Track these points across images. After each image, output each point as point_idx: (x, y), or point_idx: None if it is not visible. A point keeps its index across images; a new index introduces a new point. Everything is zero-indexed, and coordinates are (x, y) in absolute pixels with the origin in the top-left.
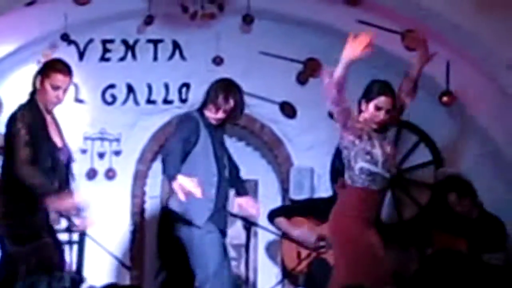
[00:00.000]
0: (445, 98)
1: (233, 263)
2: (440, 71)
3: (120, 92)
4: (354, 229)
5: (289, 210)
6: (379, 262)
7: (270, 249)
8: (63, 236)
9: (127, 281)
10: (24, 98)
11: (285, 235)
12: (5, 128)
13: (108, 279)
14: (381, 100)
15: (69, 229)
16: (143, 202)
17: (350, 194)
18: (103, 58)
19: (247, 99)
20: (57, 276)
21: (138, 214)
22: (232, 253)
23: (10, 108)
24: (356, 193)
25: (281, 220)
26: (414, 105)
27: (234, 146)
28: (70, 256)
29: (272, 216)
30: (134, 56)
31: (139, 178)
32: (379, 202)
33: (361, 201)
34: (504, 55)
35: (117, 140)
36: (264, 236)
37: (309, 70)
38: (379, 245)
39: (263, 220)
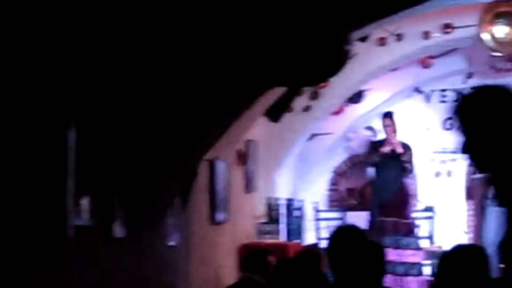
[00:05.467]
0: None
1: None
2: None
3: (454, 122)
4: None
5: None
6: None
7: None
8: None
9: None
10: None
11: None
12: None
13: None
14: None
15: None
16: (472, 190)
17: None
18: (442, 101)
19: None
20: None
21: (470, 198)
22: None
23: None
24: None
25: None
26: None
27: None
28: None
29: None
30: None
31: (468, 175)
32: None
33: None
34: None
35: (454, 152)
36: None
37: None
38: None
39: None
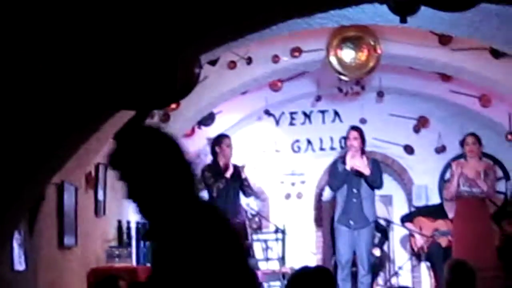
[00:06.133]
0: (509, 136)
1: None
2: (504, 119)
3: (303, 144)
4: None
5: (413, 214)
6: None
7: (403, 238)
8: (275, 236)
9: (313, 263)
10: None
11: (411, 231)
12: None
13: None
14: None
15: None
16: (321, 212)
17: None
18: (291, 124)
19: (383, 144)
20: None
21: (319, 220)
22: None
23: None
24: None
25: (408, 224)
26: (492, 142)
27: None
28: (277, 247)
29: (403, 220)
30: (310, 121)
31: (317, 197)
32: None
33: None
34: None
35: (302, 174)
36: (398, 230)
37: (421, 123)
38: None
39: (397, 220)
